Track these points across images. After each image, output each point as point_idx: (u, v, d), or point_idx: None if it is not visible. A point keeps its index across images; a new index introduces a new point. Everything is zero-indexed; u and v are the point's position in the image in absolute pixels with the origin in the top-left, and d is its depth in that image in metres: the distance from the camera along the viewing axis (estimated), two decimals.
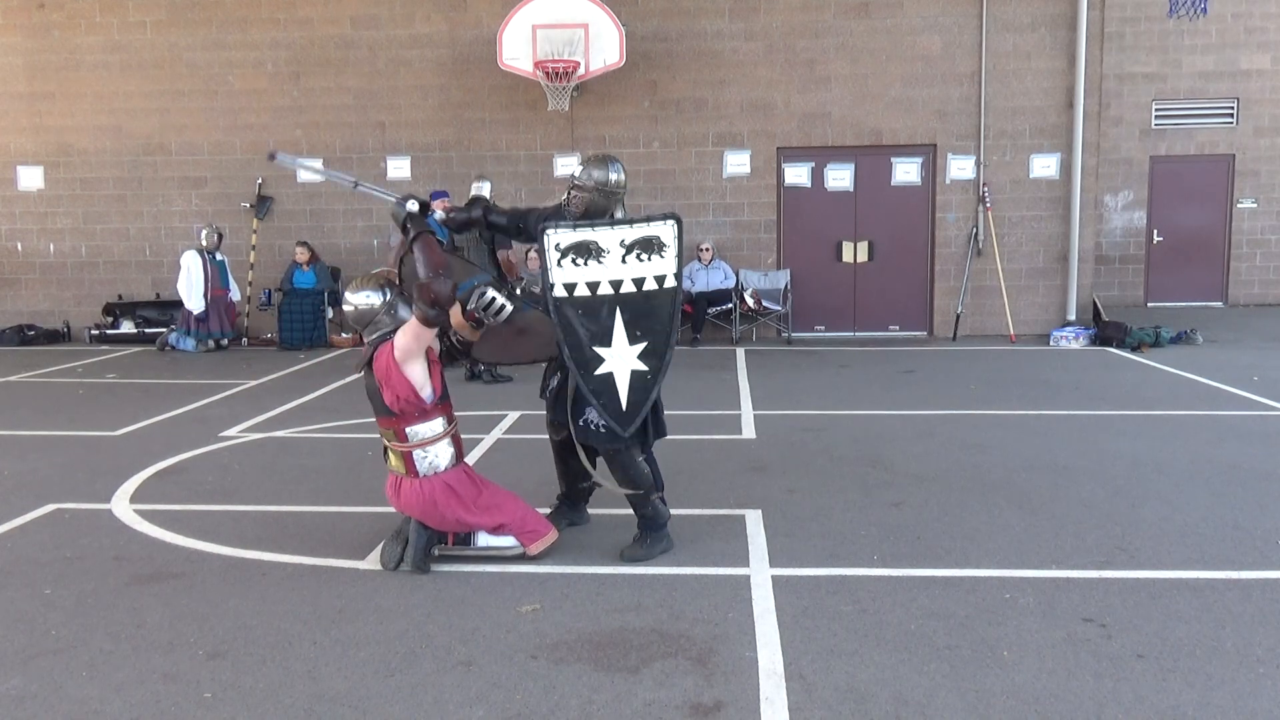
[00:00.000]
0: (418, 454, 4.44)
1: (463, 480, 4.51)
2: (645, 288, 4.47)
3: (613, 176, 4.76)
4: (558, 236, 4.44)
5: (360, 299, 4.51)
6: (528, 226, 4.81)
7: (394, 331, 4.42)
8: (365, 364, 4.49)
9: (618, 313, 4.45)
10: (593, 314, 4.44)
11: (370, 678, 3.52)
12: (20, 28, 13.10)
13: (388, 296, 4.52)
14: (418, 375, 4.37)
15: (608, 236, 4.45)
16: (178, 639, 3.86)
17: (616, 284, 4.46)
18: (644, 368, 4.48)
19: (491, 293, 4.49)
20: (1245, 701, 3.27)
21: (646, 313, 4.48)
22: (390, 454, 4.54)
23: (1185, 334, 11.87)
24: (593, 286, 4.44)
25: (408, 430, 4.43)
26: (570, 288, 4.44)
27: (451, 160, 12.88)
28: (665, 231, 4.49)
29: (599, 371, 4.46)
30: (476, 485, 4.57)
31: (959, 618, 3.95)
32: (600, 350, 4.45)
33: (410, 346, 4.28)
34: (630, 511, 4.77)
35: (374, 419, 4.61)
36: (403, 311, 4.49)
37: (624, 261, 4.44)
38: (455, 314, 4.48)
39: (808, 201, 12.85)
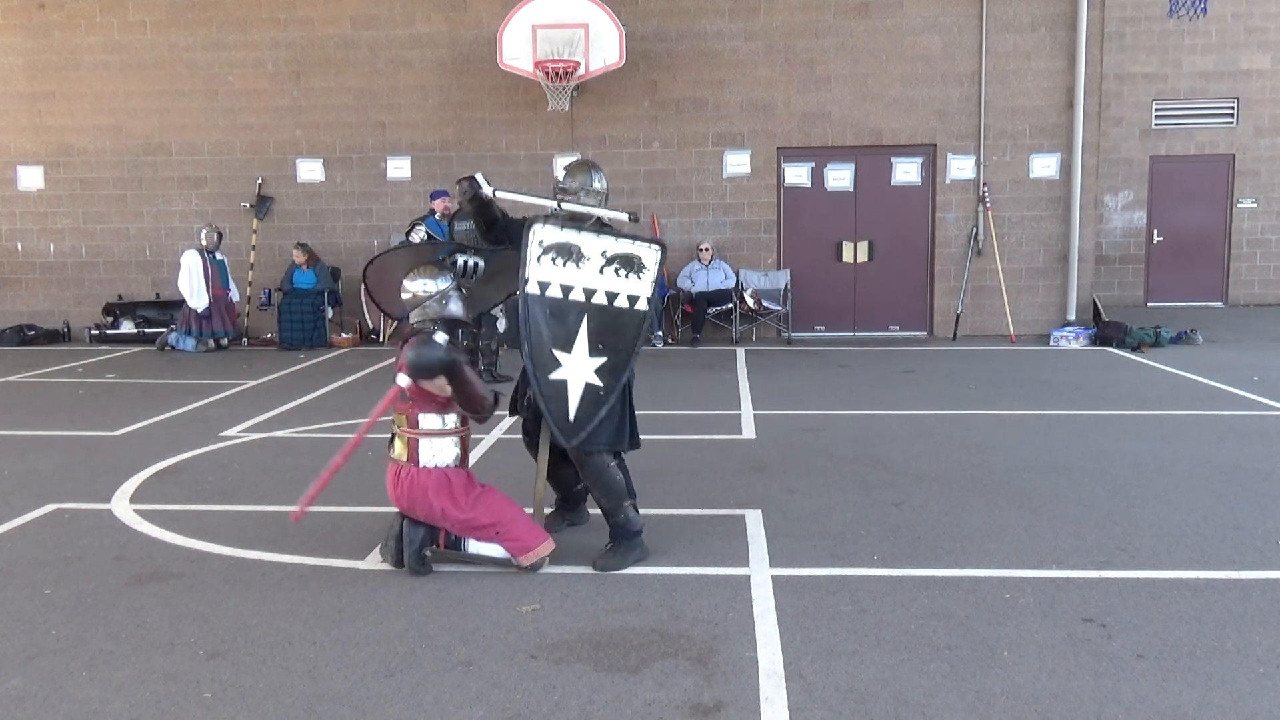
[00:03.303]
0: (423, 443, 4.45)
1: (460, 477, 4.51)
2: (617, 304, 4.48)
3: (596, 183, 4.78)
4: (543, 233, 4.48)
5: (418, 286, 4.53)
6: (499, 231, 4.74)
7: (437, 321, 4.46)
8: (403, 341, 4.53)
9: (584, 321, 4.47)
10: (560, 316, 4.46)
11: (370, 678, 3.52)
12: (20, 28, 13.10)
13: (444, 285, 4.52)
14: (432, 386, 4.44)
15: (592, 244, 4.48)
16: (178, 639, 3.86)
17: (590, 292, 4.48)
18: (598, 383, 4.46)
19: (462, 259, 4.62)
20: (1245, 701, 3.27)
21: (613, 328, 4.47)
22: (396, 440, 4.54)
23: (1185, 334, 11.87)
24: (566, 290, 4.47)
25: (420, 417, 4.44)
26: (544, 285, 4.48)
27: (451, 160, 12.88)
28: (648, 255, 4.51)
29: (554, 376, 4.46)
30: (472, 484, 4.55)
31: (959, 618, 3.95)
32: (559, 354, 4.46)
33: (434, 392, 4.38)
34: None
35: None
36: (452, 305, 4.54)
37: (601, 272, 4.48)
38: None
39: (808, 201, 12.85)
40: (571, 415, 4.46)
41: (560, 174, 4.85)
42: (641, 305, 4.50)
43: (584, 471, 4.64)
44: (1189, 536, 4.89)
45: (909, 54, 12.40)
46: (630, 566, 4.54)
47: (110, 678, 3.55)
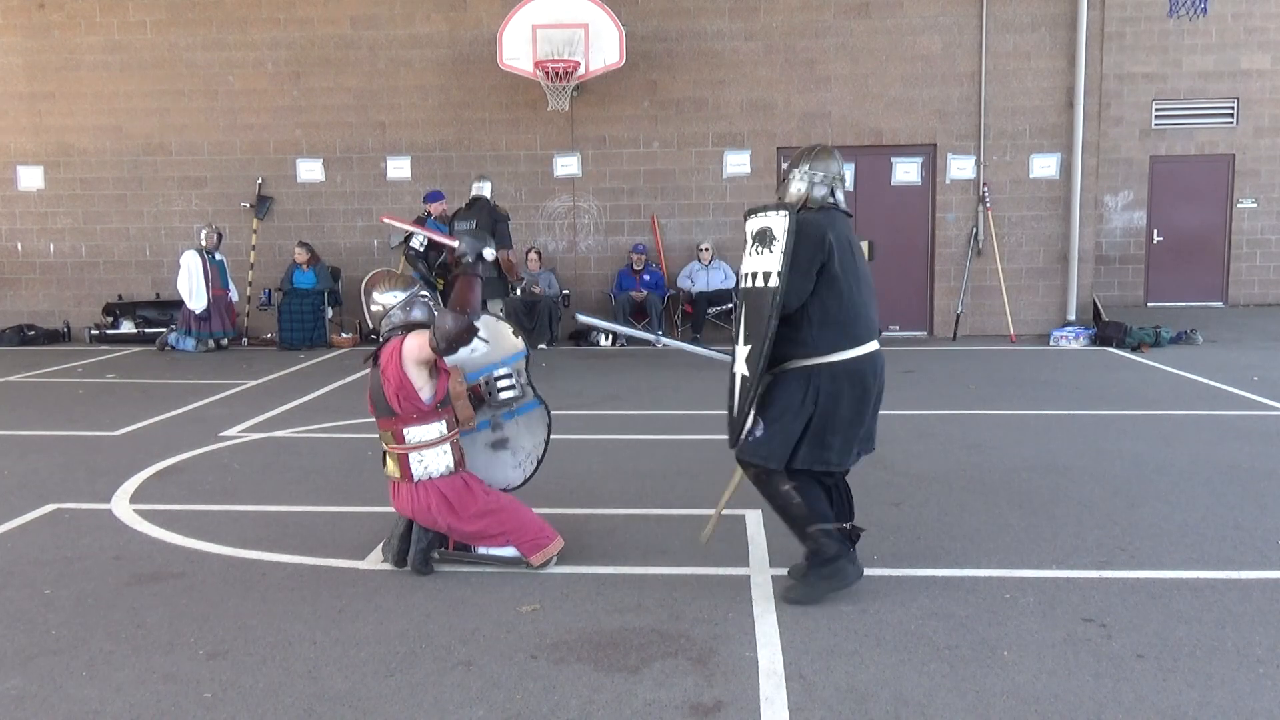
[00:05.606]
0: (413, 457, 4.41)
1: (458, 488, 4.45)
2: (756, 283, 4.03)
3: (835, 167, 4.26)
4: (748, 225, 4.13)
5: (388, 299, 4.54)
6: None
7: (404, 328, 4.46)
8: (373, 359, 4.49)
9: (743, 307, 4.12)
10: (738, 306, 4.19)
11: (370, 678, 3.52)
12: (20, 28, 13.11)
13: (407, 294, 4.54)
14: (418, 377, 4.38)
15: (753, 223, 4.09)
16: (178, 639, 3.85)
17: (745, 276, 4.12)
18: (746, 372, 4.05)
19: (506, 378, 4.59)
20: (1245, 701, 3.27)
21: (756, 309, 4.02)
22: (387, 458, 4.52)
23: (1185, 334, 11.87)
24: (739, 278, 4.21)
25: (405, 432, 4.40)
26: (739, 279, 4.22)
27: (451, 160, 12.89)
28: (777, 222, 3.96)
29: (734, 369, 4.16)
30: (474, 494, 4.49)
31: (959, 618, 3.95)
32: (737, 349, 4.15)
33: (417, 356, 4.31)
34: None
35: (374, 419, 4.59)
36: (416, 311, 4.52)
37: (752, 253, 4.07)
38: (456, 384, 4.51)
39: None
40: (735, 409, 4.11)
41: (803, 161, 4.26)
42: (774, 281, 3.91)
43: (760, 490, 4.21)
44: (1189, 536, 4.89)
45: (909, 54, 12.40)
46: (824, 599, 4.10)
47: (110, 678, 3.54)
